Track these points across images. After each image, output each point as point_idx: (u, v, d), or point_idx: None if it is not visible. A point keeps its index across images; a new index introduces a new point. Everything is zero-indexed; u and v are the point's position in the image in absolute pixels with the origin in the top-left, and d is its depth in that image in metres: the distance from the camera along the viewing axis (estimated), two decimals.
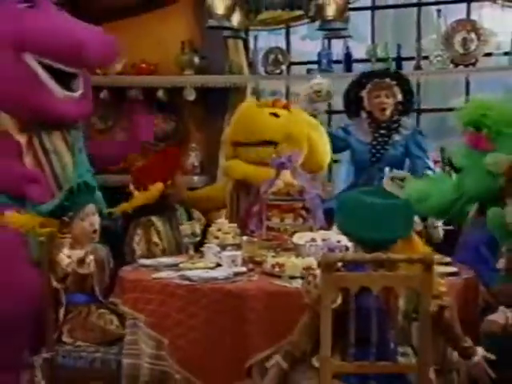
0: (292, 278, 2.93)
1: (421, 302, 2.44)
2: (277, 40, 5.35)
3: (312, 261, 2.96)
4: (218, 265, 3.22)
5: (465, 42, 4.81)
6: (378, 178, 4.33)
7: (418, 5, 5.17)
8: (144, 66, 5.09)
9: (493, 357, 2.61)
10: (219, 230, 3.48)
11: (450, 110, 4.64)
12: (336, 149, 4.62)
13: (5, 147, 3.96)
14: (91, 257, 3.23)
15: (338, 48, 5.17)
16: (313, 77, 4.83)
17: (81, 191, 3.38)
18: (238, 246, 3.41)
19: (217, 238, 3.44)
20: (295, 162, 3.66)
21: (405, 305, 2.50)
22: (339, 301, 2.45)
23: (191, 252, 3.51)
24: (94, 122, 5.11)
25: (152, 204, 4.06)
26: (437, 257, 2.85)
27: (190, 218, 4.14)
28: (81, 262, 3.20)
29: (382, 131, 4.52)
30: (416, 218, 3.41)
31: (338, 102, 4.85)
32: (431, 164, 4.50)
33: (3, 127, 4.00)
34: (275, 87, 5.27)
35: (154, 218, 4.08)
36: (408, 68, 4.93)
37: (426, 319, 2.44)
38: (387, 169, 4.22)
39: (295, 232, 3.32)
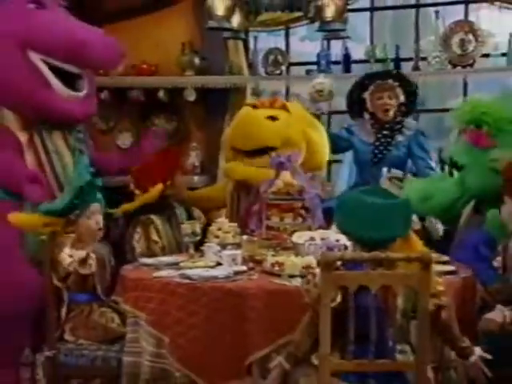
0: (291, 276, 2.94)
1: (419, 300, 2.45)
2: (276, 41, 5.35)
3: (311, 260, 2.98)
4: (219, 264, 3.23)
5: (463, 43, 4.82)
6: (381, 179, 4.34)
7: (417, 6, 5.19)
8: (145, 66, 5.10)
9: (489, 357, 2.62)
10: (219, 229, 3.49)
11: (448, 110, 4.65)
12: (339, 149, 4.63)
13: (6, 143, 4.00)
14: (93, 257, 3.22)
15: (336, 49, 5.18)
16: (313, 77, 4.85)
17: (88, 190, 3.38)
18: (238, 245, 3.41)
19: (217, 237, 3.45)
20: (295, 161, 3.66)
21: (403, 303, 2.51)
22: (339, 299, 2.46)
23: (191, 251, 3.52)
24: (96, 122, 5.12)
25: (152, 203, 4.09)
26: (435, 255, 2.86)
27: (191, 217, 4.16)
28: (83, 262, 3.20)
29: (385, 132, 4.51)
30: (414, 217, 3.43)
31: (338, 103, 4.86)
32: (433, 165, 4.49)
33: (5, 123, 4.04)
34: (275, 88, 5.27)
35: (153, 217, 4.10)
36: (406, 69, 4.92)
37: (424, 317, 2.46)
38: (385, 169, 4.24)
39: (294, 231, 3.33)
